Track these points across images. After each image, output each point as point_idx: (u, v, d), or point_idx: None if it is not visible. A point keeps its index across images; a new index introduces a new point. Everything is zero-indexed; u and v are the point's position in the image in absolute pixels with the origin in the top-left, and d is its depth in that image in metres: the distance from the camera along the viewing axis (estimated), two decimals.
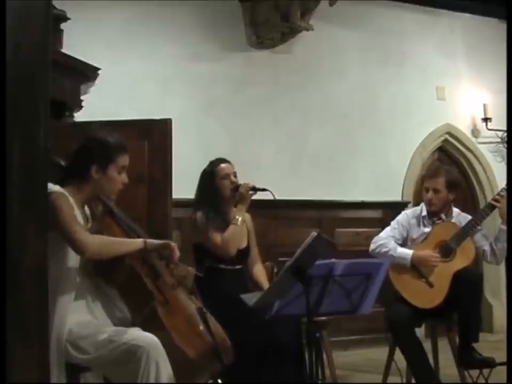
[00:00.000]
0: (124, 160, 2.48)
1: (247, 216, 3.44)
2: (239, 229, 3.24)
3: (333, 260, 2.53)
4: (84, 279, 2.40)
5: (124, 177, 2.48)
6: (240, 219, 3.23)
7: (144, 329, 2.30)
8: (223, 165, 3.36)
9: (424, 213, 3.68)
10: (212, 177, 3.34)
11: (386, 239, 3.60)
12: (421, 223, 3.67)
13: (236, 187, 3.30)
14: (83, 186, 2.42)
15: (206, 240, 3.22)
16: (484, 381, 3.30)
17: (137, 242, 2.36)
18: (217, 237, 3.20)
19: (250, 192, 3.29)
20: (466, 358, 3.35)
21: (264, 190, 3.31)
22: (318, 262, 2.48)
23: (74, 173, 2.44)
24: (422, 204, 3.75)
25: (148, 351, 2.17)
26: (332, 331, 4.02)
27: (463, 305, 3.40)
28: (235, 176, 3.36)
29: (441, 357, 3.70)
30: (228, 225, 3.23)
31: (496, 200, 3.53)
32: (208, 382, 2.50)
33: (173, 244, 2.41)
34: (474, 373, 3.37)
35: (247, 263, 3.39)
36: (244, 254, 3.33)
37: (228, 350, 2.47)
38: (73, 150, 2.47)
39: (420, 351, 3.38)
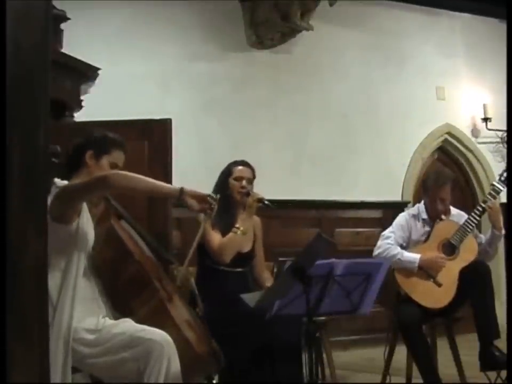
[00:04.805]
0: (118, 156, 2.49)
1: (257, 221, 3.39)
2: (238, 239, 3.14)
3: (333, 260, 2.53)
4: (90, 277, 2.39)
5: None
6: (241, 229, 3.13)
7: (149, 324, 2.28)
8: (240, 167, 3.28)
9: (424, 216, 3.66)
10: (226, 176, 3.28)
11: (390, 244, 3.55)
12: (420, 224, 3.66)
13: (246, 193, 3.19)
14: (80, 175, 2.43)
15: (204, 240, 3.15)
16: (500, 381, 3.18)
17: (174, 188, 2.31)
18: (215, 240, 3.14)
19: (257, 203, 3.16)
20: (489, 358, 3.22)
21: (269, 205, 3.14)
22: (318, 262, 2.48)
23: (73, 163, 2.46)
24: (418, 205, 3.75)
25: (162, 346, 2.16)
26: (331, 331, 4.01)
27: (479, 300, 3.36)
28: (250, 183, 3.26)
29: (441, 357, 3.69)
30: (230, 230, 3.15)
31: (486, 204, 3.51)
32: (204, 382, 2.50)
33: (214, 199, 2.34)
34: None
35: (252, 267, 3.35)
36: (245, 258, 3.28)
37: (220, 354, 2.47)
38: (74, 144, 2.50)
39: (427, 351, 3.38)
